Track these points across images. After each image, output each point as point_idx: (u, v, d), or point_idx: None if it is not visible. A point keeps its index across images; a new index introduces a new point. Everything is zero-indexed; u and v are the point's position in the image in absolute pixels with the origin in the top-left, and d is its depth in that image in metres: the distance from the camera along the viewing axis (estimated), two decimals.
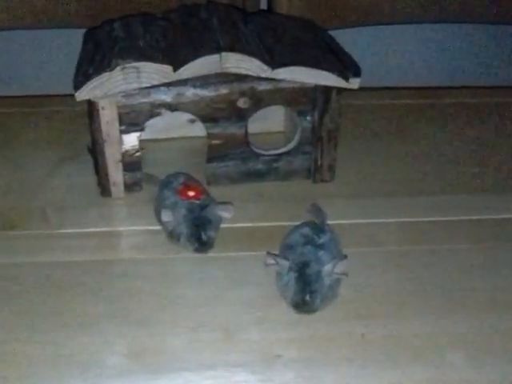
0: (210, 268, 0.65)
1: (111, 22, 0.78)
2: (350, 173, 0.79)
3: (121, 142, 0.72)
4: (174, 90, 0.71)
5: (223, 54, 0.68)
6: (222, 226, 0.68)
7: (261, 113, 0.75)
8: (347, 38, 0.83)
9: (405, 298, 0.62)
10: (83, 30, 0.80)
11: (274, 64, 0.70)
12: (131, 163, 0.74)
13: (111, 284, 0.63)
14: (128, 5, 0.94)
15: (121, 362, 0.55)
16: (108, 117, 0.70)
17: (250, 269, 0.65)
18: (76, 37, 0.80)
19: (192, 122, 0.81)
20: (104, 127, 0.70)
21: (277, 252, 0.62)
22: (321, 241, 0.61)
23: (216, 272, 0.65)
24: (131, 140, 0.73)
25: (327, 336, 0.58)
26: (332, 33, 0.81)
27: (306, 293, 0.58)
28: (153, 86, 0.70)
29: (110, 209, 0.74)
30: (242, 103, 0.73)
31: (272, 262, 0.60)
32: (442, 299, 0.62)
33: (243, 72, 0.69)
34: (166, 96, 0.71)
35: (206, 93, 0.72)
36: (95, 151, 0.73)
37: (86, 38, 0.78)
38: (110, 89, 0.68)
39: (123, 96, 0.70)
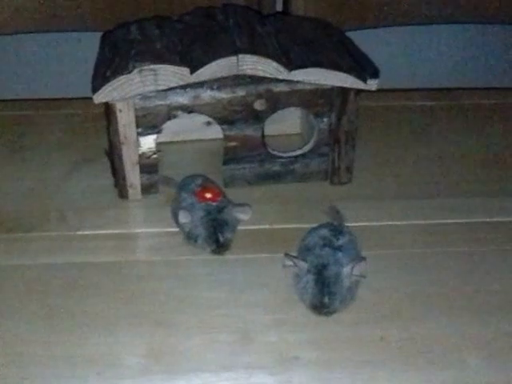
0: (227, 270, 0.65)
1: (127, 24, 0.79)
2: (367, 174, 0.79)
3: (138, 145, 0.72)
4: (191, 93, 0.71)
5: (240, 56, 0.68)
6: (239, 227, 0.68)
7: (277, 115, 0.74)
8: (362, 39, 0.83)
9: (423, 301, 0.62)
10: (100, 34, 0.80)
11: (290, 66, 0.70)
12: (148, 165, 0.74)
13: (128, 285, 0.64)
14: (143, 8, 0.94)
15: (138, 363, 0.56)
16: (125, 119, 0.70)
17: (267, 271, 0.64)
18: (93, 40, 0.81)
19: (208, 124, 0.81)
20: (121, 130, 0.71)
21: (294, 254, 0.62)
22: (339, 243, 0.61)
23: (233, 274, 0.65)
24: (148, 142, 0.73)
25: (346, 338, 0.58)
26: (348, 34, 0.81)
27: (325, 295, 0.58)
28: (170, 89, 0.70)
29: (127, 211, 0.74)
30: (258, 105, 0.73)
31: (290, 263, 0.60)
32: (461, 301, 0.62)
33: (260, 74, 0.69)
34: (182, 98, 0.71)
35: (223, 95, 0.72)
36: (112, 153, 0.73)
37: (103, 41, 0.78)
38: (127, 91, 0.68)
39: (140, 98, 0.70)
